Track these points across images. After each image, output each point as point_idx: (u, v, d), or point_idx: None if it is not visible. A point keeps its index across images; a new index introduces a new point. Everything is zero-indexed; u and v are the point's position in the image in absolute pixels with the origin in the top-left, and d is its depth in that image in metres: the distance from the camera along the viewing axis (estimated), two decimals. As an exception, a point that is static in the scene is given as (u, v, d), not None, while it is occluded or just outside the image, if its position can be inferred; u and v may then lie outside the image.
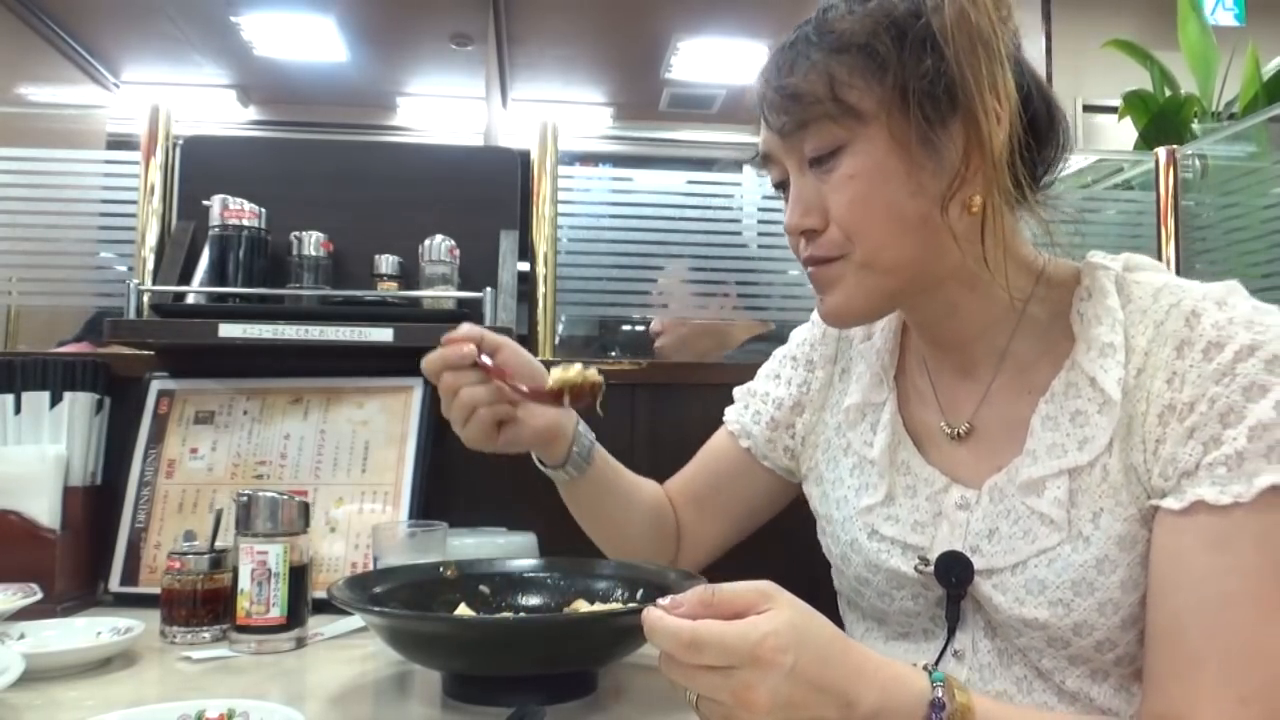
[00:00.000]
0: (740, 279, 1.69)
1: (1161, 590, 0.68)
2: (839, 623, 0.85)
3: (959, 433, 0.82)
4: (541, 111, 6.68)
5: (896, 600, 0.83)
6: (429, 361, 0.89)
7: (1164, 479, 0.68)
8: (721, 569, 0.96)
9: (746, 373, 1.07)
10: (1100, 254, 0.79)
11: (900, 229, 0.74)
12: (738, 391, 1.06)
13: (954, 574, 0.78)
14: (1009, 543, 0.75)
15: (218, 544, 1.06)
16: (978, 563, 0.77)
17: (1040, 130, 0.77)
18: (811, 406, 0.98)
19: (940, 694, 0.59)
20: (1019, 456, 0.76)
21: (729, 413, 1.05)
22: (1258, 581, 0.64)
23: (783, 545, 1.03)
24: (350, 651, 0.99)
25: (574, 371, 0.87)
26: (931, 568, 0.79)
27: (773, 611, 0.57)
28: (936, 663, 0.79)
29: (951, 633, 0.79)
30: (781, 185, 0.80)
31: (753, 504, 1.03)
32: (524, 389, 0.87)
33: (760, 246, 1.70)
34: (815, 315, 0.98)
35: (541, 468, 0.99)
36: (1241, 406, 0.65)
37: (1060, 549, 0.72)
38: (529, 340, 1.53)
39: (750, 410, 1.02)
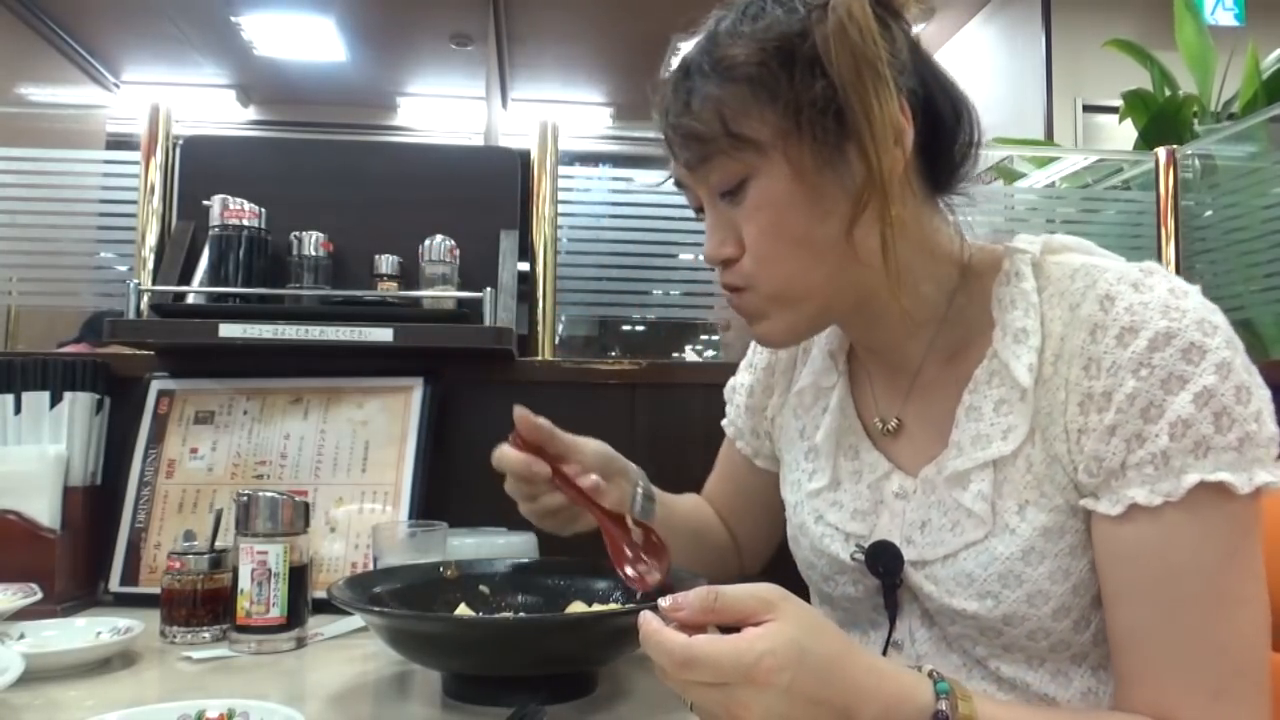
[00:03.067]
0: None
1: (1115, 596, 0.68)
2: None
3: (889, 428, 0.82)
4: (541, 111, 6.68)
5: (839, 585, 0.83)
6: (506, 461, 0.86)
7: (1090, 475, 0.67)
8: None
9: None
10: (1025, 236, 0.78)
11: (811, 256, 0.73)
12: (726, 391, 1.04)
13: (882, 564, 0.77)
14: (938, 535, 0.75)
15: (218, 544, 1.06)
16: (910, 553, 0.76)
17: (947, 127, 0.75)
18: (779, 388, 0.97)
19: (943, 706, 0.59)
20: (946, 449, 0.76)
21: (725, 420, 1.04)
22: (1205, 578, 0.63)
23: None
24: (350, 651, 0.99)
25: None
26: (864, 556, 0.79)
27: (774, 625, 0.56)
28: (884, 652, 0.79)
29: (892, 622, 0.79)
30: (700, 210, 0.80)
31: (775, 502, 1.00)
32: (600, 505, 0.86)
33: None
34: None
35: None
36: (1161, 400, 0.63)
37: (987, 542, 0.72)
38: (529, 340, 1.53)
39: (735, 406, 1.01)
